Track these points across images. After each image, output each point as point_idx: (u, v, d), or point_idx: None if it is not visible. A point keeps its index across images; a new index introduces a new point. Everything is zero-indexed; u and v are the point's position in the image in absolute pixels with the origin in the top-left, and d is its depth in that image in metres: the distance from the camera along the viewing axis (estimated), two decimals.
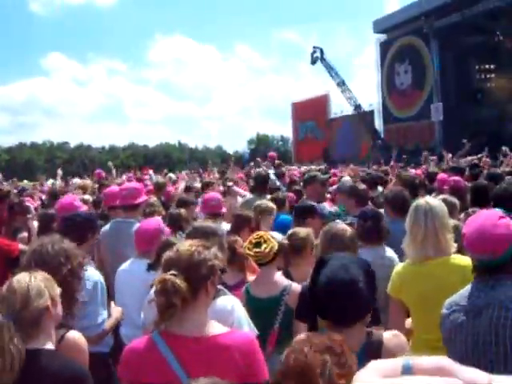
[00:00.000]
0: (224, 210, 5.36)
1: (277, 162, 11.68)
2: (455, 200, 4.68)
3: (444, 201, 4.45)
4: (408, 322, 3.23)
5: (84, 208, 4.85)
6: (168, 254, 2.09)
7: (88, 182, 9.65)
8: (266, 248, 3.35)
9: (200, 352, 1.96)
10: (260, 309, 3.18)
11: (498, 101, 30.01)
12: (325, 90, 39.40)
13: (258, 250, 3.35)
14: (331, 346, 1.48)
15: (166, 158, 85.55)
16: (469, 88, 30.28)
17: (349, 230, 3.34)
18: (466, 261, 2.99)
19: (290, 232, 3.86)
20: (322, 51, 35.62)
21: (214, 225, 3.29)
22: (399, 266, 3.36)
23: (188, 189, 8.46)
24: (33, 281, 2.06)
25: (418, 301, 3.20)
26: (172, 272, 1.96)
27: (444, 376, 0.35)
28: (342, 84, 35.44)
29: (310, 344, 1.48)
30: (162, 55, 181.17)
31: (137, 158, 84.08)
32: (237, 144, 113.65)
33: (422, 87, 30.96)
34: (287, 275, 3.62)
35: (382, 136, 33.46)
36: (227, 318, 2.41)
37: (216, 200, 5.26)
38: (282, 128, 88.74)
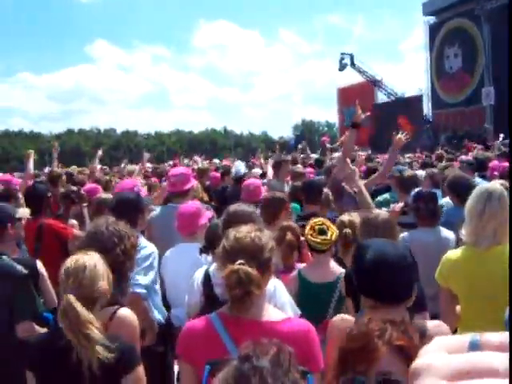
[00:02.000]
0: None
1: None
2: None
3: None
4: (458, 308, 3.17)
5: (143, 193, 4.91)
6: (229, 243, 2.08)
7: (137, 167, 9.71)
8: (331, 235, 3.36)
9: (256, 336, 1.91)
10: (315, 294, 3.20)
11: None
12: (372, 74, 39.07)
13: (324, 237, 3.35)
14: (391, 319, 1.49)
15: (212, 145, 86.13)
16: None
17: (383, 216, 3.25)
18: None
19: (345, 220, 3.77)
20: (352, 57, 35.41)
21: (250, 208, 3.27)
22: (453, 252, 3.25)
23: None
24: (97, 262, 2.16)
25: (469, 287, 3.10)
26: (240, 261, 1.96)
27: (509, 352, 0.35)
28: (378, 83, 35.05)
29: (371, 319, 1.51)
30: (206, 41, 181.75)
31: (182, 145, 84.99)
32: (282, 130, 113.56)
33: (473, 71, 30.22)
34: (340, 262, 3.61)
35: (431, 121, 32.84)
36: (269, 299, 2.41)
37: (253, 186, 5.18)
38: (326, 114, 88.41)
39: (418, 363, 0.36)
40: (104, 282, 2.15)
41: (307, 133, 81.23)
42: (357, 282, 2.06)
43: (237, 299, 1.93)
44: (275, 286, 2.65)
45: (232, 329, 1.99)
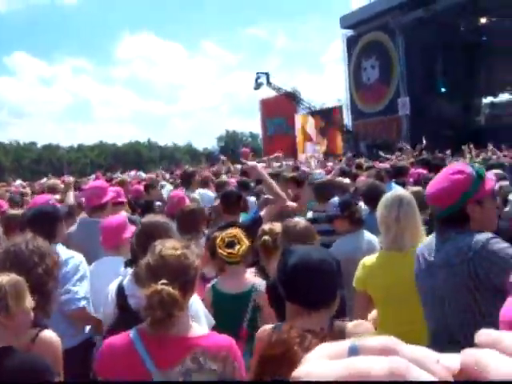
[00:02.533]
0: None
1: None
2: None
3: (417, 193, 4.56)
4: (371, 315, 3.26)
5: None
6: (153, 260, 2.03)
7: (58, 182, 9.53)
8: (239, 249, 3.31)
9: (179, 353, 1.95)
10: (229, 305, 3.17)
11: (462, 94, 30.56)
12: (293, 86, 39.51)
13: (230, 250, 3.30)
14: (311, 329, 1.53)
15: (136, 157, 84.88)
16: (434, 82, 30.72)
17: (301, 225, 3.29)
18: None
19: (266, 228, 3.77)
20: (267, 76, 35.55)
21: (163, 219, 3.27)
22: (367, 258, 3.40)
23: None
24: (16, 283, 2.03)
25: (385, 292, 3.26)
26: (163, 281, 1.90)
27: (390, 355, 0.36)
28: (296, 98, 35.47)
29: (290, 327, 1.53)
30: (129, 53, 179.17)
31: (106, 157, 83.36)
32: (206, 141, 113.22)
33: (389, 82, 31.25)
34: (262, 271, 3.64)
35: (351, 131, 33.71)
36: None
37: (177, 198, 5.24)
38: (251, 124, 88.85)
39: (297, 371, 0.37)
40: (25, 305, 2.04)
41: (231, 144, 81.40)
42: (281, 288, 2.04)
43: (158, 321, 1.89)
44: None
45: (152, 347, 1.96)
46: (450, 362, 0.37)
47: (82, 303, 3.28)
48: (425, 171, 6.66)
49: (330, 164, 13.24)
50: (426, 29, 27.58)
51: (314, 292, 1.99)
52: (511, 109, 28.99)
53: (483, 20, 28.04)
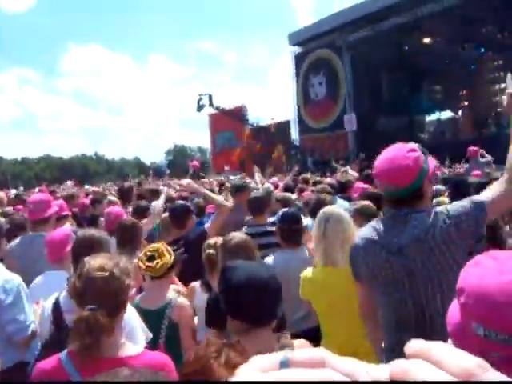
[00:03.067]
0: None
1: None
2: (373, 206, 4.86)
3: (366, 206, 4.63)
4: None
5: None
6: (79, 283, 1.98)
7: (1, 194, 9.32)
8: (157, 263, 3.29)
9: None
10: (147, 321, 3.10)
11: (407, 111, 31.35)
12: (242, 101, 39.67)
13: (149, 264, 3.28)
14: (227, 342, 1.52)
15: (83, 170, 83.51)
16: (380, 99, 31.40)
17: (237, 239, 3.25)
18: None
19: (211, 242, 3.81)
20: (210, 97, 35.64)
21: (99, 233, 3.24)
22: (308, 272, 3.44)
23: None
24: None
25: (326, 307, 3.30)
26: (90, 307, 1.87)
27: (320, 367, 0.36)
28: (240, 117, 35.50)
29: (209, 342, 1.51)
30: (76, 65, 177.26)
31: (52, 171, 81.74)
32: (154, 155, 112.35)
33: (337, 99, 31.70)
34: (207, 285, 3.66)
35: (298, 146, 34.03)
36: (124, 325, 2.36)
37: (114, 215, 5.15)
38: (199, 139, 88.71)
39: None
40: None
41: (180, 158, 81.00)
42: (224, 304, 2.03)
43: (86, 347, 1.85)
44: (129, 311, 2.54)
45: (84, 370, 1.91)
46: (380, 373, 0.37)
47: (31, 328, 3.21)
48: (368, 186, 6.76)
49: (275, 179, 13.32)
50: (372, 47, 28.18)
51: (260, 309, 1.98)
52: (453, 126, 29.85)
53: (426, 40, 28.85)
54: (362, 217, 4.24)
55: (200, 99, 35.09)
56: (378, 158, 2.46)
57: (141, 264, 3.30)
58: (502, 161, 2.47)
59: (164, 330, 3.21)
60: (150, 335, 2.79)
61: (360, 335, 2.94)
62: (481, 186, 6.14)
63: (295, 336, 2.37)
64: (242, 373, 0.38)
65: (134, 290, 3.61)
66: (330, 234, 3.21)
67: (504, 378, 0.37)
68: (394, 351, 2.40)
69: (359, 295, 2.71)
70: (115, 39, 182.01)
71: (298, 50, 35.54)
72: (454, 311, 1.35)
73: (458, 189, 5.65)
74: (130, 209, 6.53)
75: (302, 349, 0.39)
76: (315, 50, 33.13)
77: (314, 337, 3.44)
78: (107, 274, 1.97)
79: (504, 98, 2.43)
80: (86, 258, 2.08)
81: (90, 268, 1.98)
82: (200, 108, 35.17)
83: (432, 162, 2.49)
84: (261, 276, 2.00)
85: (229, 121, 40.55)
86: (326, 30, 31.01)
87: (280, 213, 4.74)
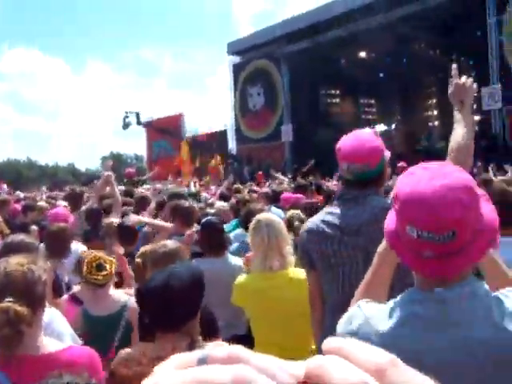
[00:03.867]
0: None
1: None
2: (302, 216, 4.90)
3: (294, 216, 4.68)
4: None
5: None
6: None
7: None
8: (110, 268, 3.31)
9: (37, 372, 1.82)
10: (100, 328, 3.13)
11: (343, 124, 31.98)
12: (179, 109, 39.46)
13: (104, 272, 3.28)
14: (164, 349, 1.53)
15: (15, 176, 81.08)
16: (317, 111, 31.88)
17: (165, 248, 3.25)
18: (303, 274, 3.14)
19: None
20: (137, 115, 35.41)
21: (28, 239, 3.20)
22: (241, 278, 3.44)
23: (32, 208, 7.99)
24: None
25: (259, 313, 3.29)
26: (9, 299, 1.87)
27: (235, 364, 0.36)
28: (171, 133, 35.41)
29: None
30: (9, 67, 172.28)
31: None
32: (90, 162, 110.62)
33: (274, 109, 31.96)
34: None
35: (235, 155, 34.07)
36: (44, 330, 2.31)
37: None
38: (135, 146, 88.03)
39: (146, 382, 0.37)
40: None
41: (116, 165, 79.96)
42: (139, 309, 2.10)
43: (6, 339, 1.84)
44: (51, 315, 2.58)
45: (7, 367, 1.90)
46: (296, 369, 0.37)
47: None
48: (301, 195, 6.87)
49: (212, 188, 13.33)
50: (309, 59, 28.59)
51: (165, 314, 2.00)
52: (386, 139, 30.58)
53: (363, 54, 29.49)
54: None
55: (126, 117, 34.53)
56: (344, 141, 2.52)
57: (93, 276, 3.26)
58: None
59: (120, 332, 3.23)
60: (80, 342, 2.72)
61: (294, 347, 2.97)
62: None
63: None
64: (159, 370, 0.38)
65: (66, 296, 3.55)
66: (266, 239, 3.23)
67: (414, 372, 0.37)
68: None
69: (309, 282, 2.73)
70: (51, 43, 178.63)
71: (236, 59, 35.68)
72: (390, 219, 1.52)
73: None
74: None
75: (220, 346, 0.39)
76: (254, 60, 33.35)
77: (243, 344, 3.40)
78: (24, 268, 1.98)
79: (450, 86, 2.49)
80: (2, 259, 2.09)
81: (8, 265, 2.00)
82: (126, 126, 34.58)
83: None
84: (166, 282, 2.00)
85: (165, 129, 40.27)
86: (265, 41, 31.29)
87: (202, 221, 4.73)
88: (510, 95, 20.02)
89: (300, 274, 3.19)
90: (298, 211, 4.95)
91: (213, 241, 4.22)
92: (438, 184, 1.37)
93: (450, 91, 2.54)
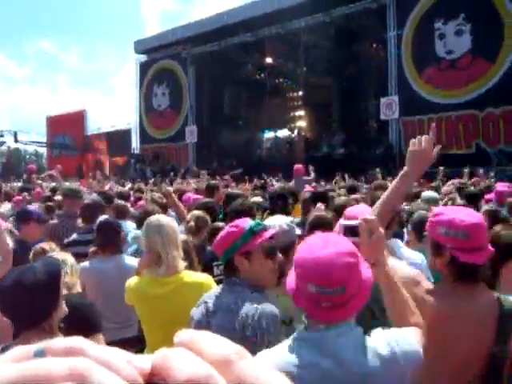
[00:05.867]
0: None
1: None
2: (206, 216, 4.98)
3: (197, 216, 4.73)
4: None
5: None
6: None
7: None
8: None
9: None
10: None
11: (246, 127, 32.35)
12: (83, 105, 38.41)
13: None
14: None
15: None
16: (222, 114, 32.05)
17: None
18: (195, 277, 3.23)
19: None
20: (15, 134, 34.18)
21: None
22: (132, 280, 3.44)
23: None
24: None
25: (148, 318, 3.32)
26: None
27: (75, 356, 0.35)
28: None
29: None
30: None
31: None
32: None
33: (179, 110, 31.78)
34: None
35: (138, 155, 33.60)
36: None
37: None
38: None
39: None
40: None
41: (14, 160, 76.50)
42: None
43: None
44: None
45: None
46: (142, 362, 0.37)
47: None
48: (200, 196, 6.96)
49: (108, 185, 13.09)
50: (216, 62, 28.72)
51: (18, 311, 2.00)
52: (288, 145, 31.14)
53: (269, 60, 29.97)
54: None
55: (1, 135, 33.05)
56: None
57: None
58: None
59: None
60: None
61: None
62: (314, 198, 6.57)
63: (110, 344, 2.35)
64: None
65: None
66: (155, 242, 3.22)
67: (259, 364, 0.38)
68: None
69: None
70: None
71: (143, 58, 35.22)
72: (290, 279, 1.88)
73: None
74: None
75: (60, 338, 0.38)
76: (160, 59, 33.05)
77: (133, 346, 3.47)
78: None
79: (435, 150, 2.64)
80: None
81: None
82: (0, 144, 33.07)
83: (260, 238, 2.58)
84: (18, 279, 2.00)
85: (67, 125, 39.13)
86: (172, 41, 31.10)
87: (98, 220, 4.71)
88: (407, 106, 21.06)
89: (193, 277, 3.23)
90: (200, 212, 4.99)
91: (108, 240, 4.20)
92: (329, 251, 1.77)
93: (409, 149, 2.66)
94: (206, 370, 0.36)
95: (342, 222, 2.35)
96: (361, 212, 2.67)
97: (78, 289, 3.12)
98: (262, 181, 14.12)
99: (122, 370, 0.35)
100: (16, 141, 33.09)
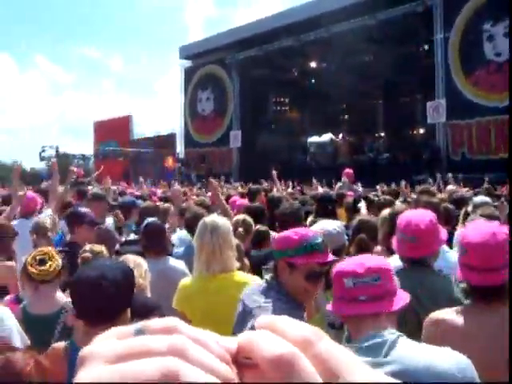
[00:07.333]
0: None
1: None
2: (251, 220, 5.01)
3: (243, 221, 4.76)
4: None
5: None
6: None
7: None
8: (51, 266, 3.26)
9: None
10: (38, 327, 3.06)
11: (290, 132, 32.30)
12: (128, 110, 38.99)
13: (43, 267, 3.24)
14: None
15: None
16: (265, 118, 32.13)
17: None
18: (246, 278, 3.24)
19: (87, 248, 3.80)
20: (57, 148, 34.84)
21: None
22: (185, 280, 3.49)
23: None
24: None
25: (201, 314, 3.34)
26: None
27: (170, 334, 0.38)
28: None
29: None
30: None
31: None
32: (34, 161, 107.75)
33: (224, 115, 31.98)
34: None
35: (183, 159, 33.93)
36: None
37: None
38: (82, 146, 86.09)
39: (83, 351, 0.37)
40: None
41: (62, 164, 78.25)
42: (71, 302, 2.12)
43: None
44: (2, 314, 2.60)
45: None
46: (229, 342, 0.40)
47: None
48: (245, 201, 6.97)
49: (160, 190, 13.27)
50: (260, 67, 28.84)
51: (86, 308, 2.04)
52: (332, 149, 31.00)
53: (313, 64, 29.90)
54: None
55: (43, 151, 33.70)
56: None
57: (32, 269, 3.22)
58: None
59: (56, 334, 3.13)
60: (28, 342, 2.73)
61: None
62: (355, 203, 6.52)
63: None
64: (97, 340, 0.39)
65: (8, 297, 3.53)
66: (210, 242, 3.26)
67: (336, 344, 0.40)
68: None
69: None
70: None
71: (187, 63, 35.59)
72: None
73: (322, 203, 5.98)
74: None
75: (156, 319, 0.41)
76: (205, 65, 33.35)
77: None
78: None
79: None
80: None
81: None
82: (42, 158, 33.73)
83: (310, 260, 2.60)
84: (85, 277, 2.04)
85: (113, 130, 39.81)
86: (217, 47, 31.32)
87: (145, 222, 4.76)
88: (454, 110, 20.68)
89: (244, 277, 3.27)
90: (244, 216, 5.01)
91: (154, 242, 4.26)
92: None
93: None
94: (290, 349, 0.38)
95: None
96: (418, 220, 2.69)
97: (148, 293, 3.17)
98: (299, 186, 14.06)
99: (212, 348, 0.38)
100: (57, 155, 33.77)
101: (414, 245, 2.84)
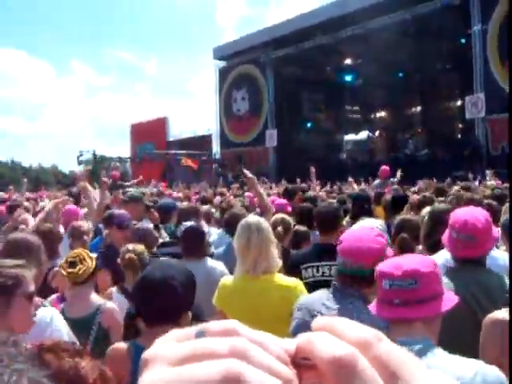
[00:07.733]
0: None
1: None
2: (290, 220, 4.98)
3: (282, 220, 4.74)
4: None
5: None
6: None
7: None
8: (80, 269, 3.29)
9: None
10: (74, 330, 3.10)
11: (326, 130, 32.13)
12: (164, 112, 39.38)
13: (71, 270, 3.27)
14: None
15: None
16: (301, 116, 32.03)
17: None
18: (288, 281, 3.21)
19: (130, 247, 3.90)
20: (94, 152, 35.36)
21: (32, 237, 3.22)
22: (227, 279, 3.48)
23: None
24: None
25: (241, 314, 3.32)
26: None
27: (231, 336, 0.38)
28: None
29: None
30: None
31: None
32: (72, 164, 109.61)
33: (259, 114, 32.02)
34: (124, 291, 3.73)
35: (219, 160, 34.07)
36: (45, 329, 2.40)
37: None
38: (118, 149, 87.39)
39: (146, 353, 0.39)
40: None
41: (99, 167, 79.42)
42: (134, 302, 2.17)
43: None
44: (52, 314, 2.61)
45: None
46: (288, 344, 0.40)
47: None
48: (284, 200, 6.93)
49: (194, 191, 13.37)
50: (294, 66, 28.78)
51: (151, 308, 2.05)
52: (369, 146, 30.75)
53: (348, 61, 29.69)
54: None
55: (81, 155, 34.20)
56: (345, 235, 2.62)
57: (62, 270, 3.28)
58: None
59: (92, 336, 3.20)
60: (76, 341, 2.74)
61: None
62: (393, 201, 6.40)
63: None
64: (159, 342, 0.40)
65: (54, 296, 3.58)
66: (253, 243, 3.25)
67: (395, 346, 0.40)
68: None
69: None
70: (33, 43, 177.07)
71: (221, 64, 35.74)
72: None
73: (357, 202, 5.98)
74: None
75: (215, 321, 0.41)
76: (239, 65, 33.43)
77: None
78: (12, 270, 2.04)
79: None
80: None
81: None
82: (80, 163, 34.26)
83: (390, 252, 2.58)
84: (153, 277, 2.06)
85: (150, 132, 40.20)
86: (250, 46, 31.39)
87: (182, 226, 4.78)
88: (493, 104, 20.23)
89: (285, 280, 3.25)
90: (283, 215, 4.99)
91: (194, 246, 4.28)
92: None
93: None
94: (350, 351, 0.38)
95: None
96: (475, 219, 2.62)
97: None
98: (336, 185, 13.95)
99: (271, 349, 0.38)
100: (95, 159, 34.35)
101: (472, 244, 2.76)
